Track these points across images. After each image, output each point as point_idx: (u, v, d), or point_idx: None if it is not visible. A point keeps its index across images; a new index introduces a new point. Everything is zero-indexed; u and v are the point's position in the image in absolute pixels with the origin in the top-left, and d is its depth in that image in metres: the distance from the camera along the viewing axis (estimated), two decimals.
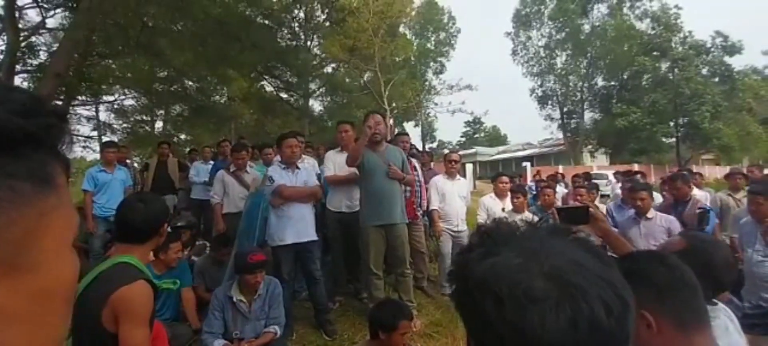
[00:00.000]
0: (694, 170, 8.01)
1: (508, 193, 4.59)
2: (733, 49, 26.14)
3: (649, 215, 3.46)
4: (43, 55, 11.09)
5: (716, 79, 26.11)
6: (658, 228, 3.37)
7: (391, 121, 21.69)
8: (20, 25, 9.80)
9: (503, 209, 4.51)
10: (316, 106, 21.86)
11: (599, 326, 0.43)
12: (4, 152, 0.28)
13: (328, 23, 17.96)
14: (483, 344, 0.50)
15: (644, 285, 0.95)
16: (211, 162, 5.97)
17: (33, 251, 0.30)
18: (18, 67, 10.21)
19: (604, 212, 4.67)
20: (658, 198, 4.70)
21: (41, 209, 0.31)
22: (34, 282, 0.31)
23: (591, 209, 1.66)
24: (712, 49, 26.52)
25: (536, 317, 0.43)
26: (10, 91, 0.30)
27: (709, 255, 1.22)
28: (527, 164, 21.59)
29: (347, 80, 21.97)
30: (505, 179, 4.86)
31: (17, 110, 0.29)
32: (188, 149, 10.38)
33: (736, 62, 26.49)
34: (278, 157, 3.79)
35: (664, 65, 26.23)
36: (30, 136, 0.30)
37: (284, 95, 19.06)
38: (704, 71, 26.01)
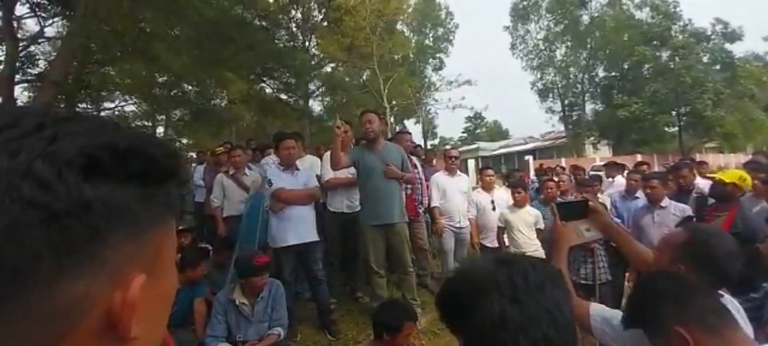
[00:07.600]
0: (698, 159, 7.93)
1: (495, 185, 4.69)
2: (734, 36, 25.79)
3: (662, 204, 3.44)
4: (42, 64, 11.09)
5: (717, 67, 25.78)
6: (672, 217, 3.35)
7: (392, 119, 21.65)
8: (19, 35, 9.80)
9: (492, 202, 4.51)
10: (315, 106, 21.85)
11: None
12: (157, 185, 0.36)
13: (325, 23, 17.89)
14: None
15: (664, 302, 0.97)
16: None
17: (160, 263, 0.38)
18: (17, 77, 10.22)
19: (609, 204, 4.64)
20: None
21: (167, 229, 0.39)
22: (159, 288, 0.38)
23: (591, 203, 1.64)
24: (713, 37, 26.16)
25: None
26: (152, 137, 0.38)
27: (713, 247, 1.19)
28: (530, 158, 21.49)
29: (346, 80, 21.92)
30: (491, 171, 4.90)
31: (165, 154, 0.37)
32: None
33: (737, 49, 26.15)
34: (275, 158, 3.77)
35: (665, 54, 25.91)
36: (172, 174, 0.38)
37: (284, 97, 19.02)
38: (705, 59, 25.67)
